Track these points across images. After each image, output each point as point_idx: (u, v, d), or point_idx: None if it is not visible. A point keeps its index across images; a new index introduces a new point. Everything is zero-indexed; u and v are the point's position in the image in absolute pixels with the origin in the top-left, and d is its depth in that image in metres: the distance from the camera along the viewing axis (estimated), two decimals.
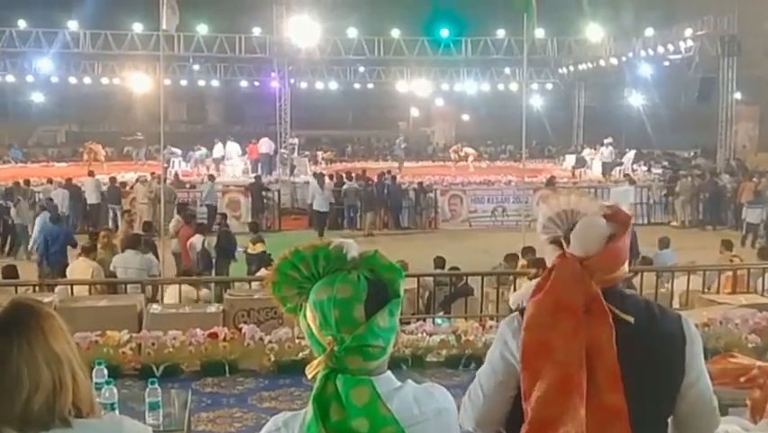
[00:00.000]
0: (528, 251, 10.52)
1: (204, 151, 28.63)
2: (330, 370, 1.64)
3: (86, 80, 34.21)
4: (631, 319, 2.10)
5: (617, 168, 27.54)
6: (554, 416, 2.05)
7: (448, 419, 1.77)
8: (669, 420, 2.22)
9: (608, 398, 2.05)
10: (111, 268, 10.35)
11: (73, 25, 29.08)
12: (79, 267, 9.89)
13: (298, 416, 1.68)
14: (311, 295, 1.69)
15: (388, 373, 1.72)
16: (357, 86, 36.77)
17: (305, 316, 1.71)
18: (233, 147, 28.82)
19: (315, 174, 22.04)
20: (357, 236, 17.73)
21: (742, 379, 2.57)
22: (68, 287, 8.44)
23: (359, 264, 1.70)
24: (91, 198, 19.44)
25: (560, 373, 2.06)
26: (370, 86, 37.02)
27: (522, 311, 2.22)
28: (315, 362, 1.68)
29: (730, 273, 9.50)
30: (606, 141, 28.05)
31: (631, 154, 29.23)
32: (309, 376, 1.69)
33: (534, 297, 2.18)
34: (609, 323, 2.08)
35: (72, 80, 34.29)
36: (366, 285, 1.67)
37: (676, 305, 8.69)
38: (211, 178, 21.40)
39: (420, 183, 21.73)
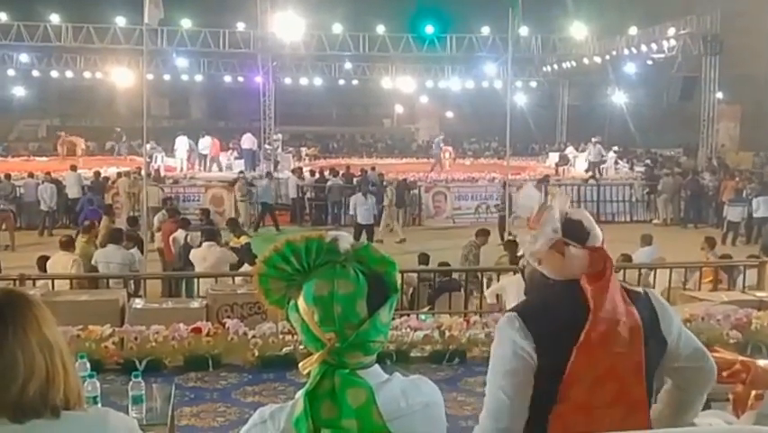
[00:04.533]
0: (510, 244, 10.57)
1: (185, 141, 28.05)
2: (327, 366, 1.62)
3: (68, 74, 33.79)
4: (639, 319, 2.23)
5: (602, 166, 27.64)
6: (602, 403, 2.16)
7: (436, 412, 1.77)
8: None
9: (634, 391, 2.19)
10: (93, 262, 10.29)
11: (55, 18, 28.78)
12: (61, 261, 9.79)
13: (285, 408, 1.66)
14: (307, 289, 1.66)
15: (376, 366, 1.71)
16: (341, 82, 36.61)
17: (296, 310, 1.68)
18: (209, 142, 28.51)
19: (359, 185, 19.30)
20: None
21: (724, 374, 2.59)
22: (49, 281, 8.37)
23: (350, 257, 1.69)
24: (72, 191, 19.29)
25: (614, 362, 2.16)
26: (355, 82, 36.87)
27: (519, 312, 2.23)
28: (313, 357, 1.65)
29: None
30: (594, 139, 28.13)
31: (612, 154, 29.33)
32: (304, 372, 1.66)
33: (597, 282, 2.20)
34: (636, 316, 2.21)
35: (54, 74, 33.89)
36: (365, 280, 1.66)
37: None
38: (268, 175, 21.20)
39: (404, 180, 21.73)
